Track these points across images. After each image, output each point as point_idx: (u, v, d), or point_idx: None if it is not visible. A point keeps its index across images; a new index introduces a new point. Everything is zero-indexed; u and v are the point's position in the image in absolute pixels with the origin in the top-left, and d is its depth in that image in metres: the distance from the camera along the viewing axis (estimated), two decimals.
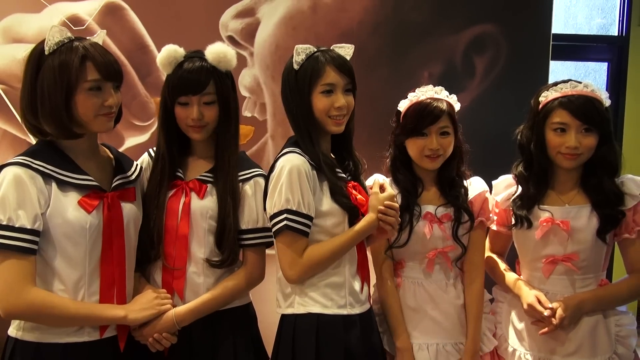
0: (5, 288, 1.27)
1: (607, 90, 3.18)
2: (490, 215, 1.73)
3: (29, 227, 1.28)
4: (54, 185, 1.33)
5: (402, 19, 2.35)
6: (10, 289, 1.27)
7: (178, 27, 2.31)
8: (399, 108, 1.69)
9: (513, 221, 1.65)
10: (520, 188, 1.67)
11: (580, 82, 1.58)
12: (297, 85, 1.49)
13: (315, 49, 1.50)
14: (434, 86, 1.69)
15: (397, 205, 1.51)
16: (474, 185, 1.71)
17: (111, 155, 1.50)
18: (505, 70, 2.40)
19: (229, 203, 1.49)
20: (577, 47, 3.27)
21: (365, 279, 1.56)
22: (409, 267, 1.69)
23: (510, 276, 1.71)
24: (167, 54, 1.47)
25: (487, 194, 1.72)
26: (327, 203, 1.47)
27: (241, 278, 1.53)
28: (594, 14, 3.56)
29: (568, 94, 1.56)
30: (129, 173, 1.49)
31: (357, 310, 1.51)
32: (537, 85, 2.46)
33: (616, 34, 3.39)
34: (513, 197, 1.67)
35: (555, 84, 1.61)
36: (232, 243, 1.49)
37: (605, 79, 3.39)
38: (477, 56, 2.38)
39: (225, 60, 1.50)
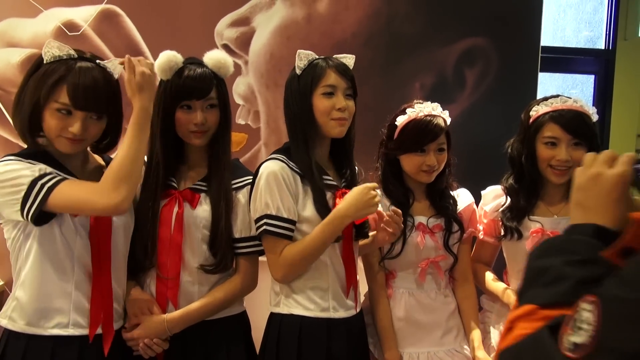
0: None
1: (593, 102, 3.26)
2: (477, 225, 1.77)
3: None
4: None
5: (395, 31, 2.40)
6: None
7: (174, 34, 2.33)
8: (396, 123, 1.69)
9: (502, 232, 1.69)
10: (509, 200, 1.71)
11: (570, 97, 1.63)
12: (299, 89, 1.52)
13: (317, 56, 1.54)
14: (425, 98, 1.74)
15: (400, 211, 1.54)
16: (462, 198, 1.76)
17: (102, 162, 1.51)
18: (495, 82, 2.45)
19: (222, 207, 1.50)
20: (565, 60, 3.34)
21: (352, 284, 1.58)
22: (401, 277, 1.71)
23: (498, 286, 1.75)
24: (167, 59, 1.47)
25: (474, 206, 1.77)
26: (309, 209, 1.50)
27: (234, 285, 1.54)
28: (581, 27, 3.62)
29: (558, 109, 1.60)
30: None
31: (341, 314, 1.54)
32: (526, 97, 2.52)
33: (603, 47, 3.47)
34: (502, 209, 1.71)
35: (546, 98, 1.65)
36: (225, 247, 1.51)
37: (592, 91, 3.46)
38: (468, 68, 2.43)
39: (225, 67, 1.53)
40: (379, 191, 1.60)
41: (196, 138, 1.51)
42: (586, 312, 0.58)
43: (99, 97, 1.35)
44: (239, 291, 1.56)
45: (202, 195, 1.53)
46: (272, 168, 1.47)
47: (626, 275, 0.60)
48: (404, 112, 1.69)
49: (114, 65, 1.40)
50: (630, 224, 0.69)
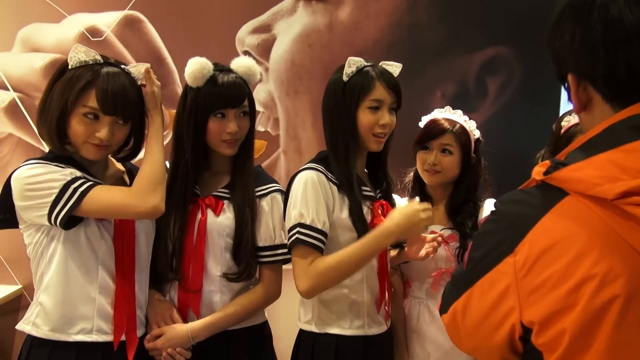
0: None
1: None
2: None
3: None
4: None
5: (417, 39, 2.38)
6: None
7: (195, 40, 2.33)
8: (420, 125, 1.75)
9: None
10: None
11: None
12: (343, 98, 1.47)
13: (366, 63, 1.49)
14: (447, 106, 1.74)
15: (442, 238, 1.54)
16: (487, 209, 1.72)
17: (122, 169, 1.51)
18: (518, 92, 2.42)
19: (247, 214, 1.48)
20: None
21: (385, 299, 1.54)
22: (415, 286, 1.70)
23: None
24: (200, 67, 1.43)
25: None
26: (344, 219, 1.46)
27: (257, 295, 1.51)
28: None
29: None
30: None
31: (375, 330, 1.51)
32: (550, 107, 2.49)
33: None
34: None
35: None
36: (249, 255, 1.48)
37: None
38: (490, 77, 2.40)
39: (254, 75, 1.51)
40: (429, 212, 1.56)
41: (228, 147, 1.48)
42: None
43: (127, 102, 1.35)
44: (262, 301, 1.53)
45: (226, 202, 1.50)
46: (310, 178, 1.44)
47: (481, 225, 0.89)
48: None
49: (138, 70, 1.39)
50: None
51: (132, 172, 1.50)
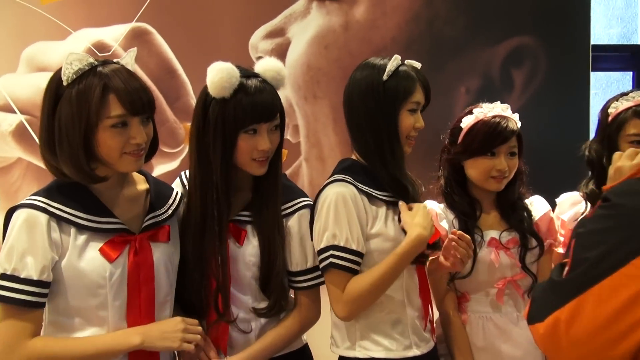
0: (1, 346, 1.14)
1: None
2: (557, 235, 1.63)
3: (35, 278, 1.13)
4: (72, 231, 1.18)
5: (436, 34, 2.30)
6: (6, 347, 1.13)
7: (206, 50, 2.24)
8: (461, 125, 1.57)
9: None
10: (589, 206, 1.57)
11: None
12: (386, 99, 1.35)
13: (401, 61, 1.39)
14: (472, 102, 1.63)
15: (468, 237, 1.39)
16: (537, 206, 1.61)
17: (146, 185, 1.32)
18: (545, 82, 2.33)
19: (276, 242, 1.32)
20: (600, 57, 3.23)
21: (428, 314, 1.44)
22: (475, 300, 1.55)
23: None
24: (228, 75, 1.24)
25: (551, 214, 1.63)
26: (380, 230, 1.35)
27: (295, 323, 1.37)
28: (612, 23, 3.52)
29: None
30: (165, 208, 1.30)
31: (422, 349, 1.40)
32: (578, 98, 2.40)
33: (639, 42, 3.35)
34: (582, 217, 1.57)
35: (625, 93, 1.53)
36: (280, 288, 1.34)
37: (632, 88, 3.34)
38: (515, 69, 2.32)
39: (282, 79, 1.34)
40: (437, 210, 1.53)
41: (259, 167, 1.31)
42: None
43: (147, 94, 1.19)
44: (300, 328, 1.38)
45: (249, 228, 1.34)
46: (340, 192, 1.32)
47: (586, 223, 0.81)
48: (469, 114, 1.57)
49: (126, 61, 1.22)
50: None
51: (157, 191, 1.32)
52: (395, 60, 1.37)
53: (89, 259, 1.18)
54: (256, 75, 1.31)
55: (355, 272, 1.32)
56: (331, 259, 1.30)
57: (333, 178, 1.37)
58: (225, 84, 1.24)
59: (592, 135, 2.46)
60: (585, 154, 1.61)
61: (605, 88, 3.31)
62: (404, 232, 1.35)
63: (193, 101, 2.23)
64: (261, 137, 1.28)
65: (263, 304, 1.34)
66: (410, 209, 1.37)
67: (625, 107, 1.50)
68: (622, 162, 1.03)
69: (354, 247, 1.31)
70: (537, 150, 2.12)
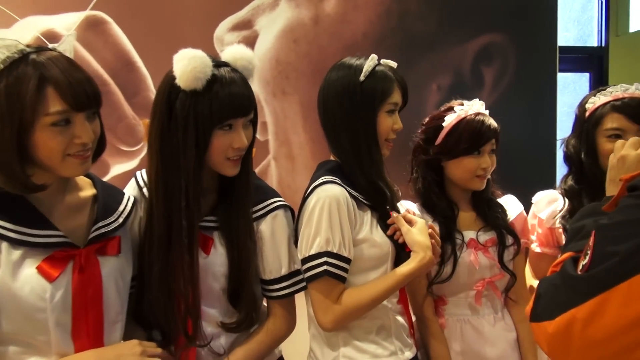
0: None
1: None
2: (530, 235, 1.60)
3: None
4: (4, 247, 1.00)
5: (408, 30, 2.25)
6: None
7: (168, 41, 2.11)
8: (442, 124, 1.50)
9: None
10: (567, 203, 1.55)
11: (631, 85, 1.49)
12: (362, 100, 1.29)
13: (377, 60, 1.32)
14: (443, 99, 1.59)
15: (437, 233, 1.35)
16: (510, 206, 1.58)
17: (93, 191, 1.14)
18: (514, 80, 2.33)
19: (248, 249, 1.19)
20: (561, 58, 3.29)
21: (410, 319, 1.39)
22: (453, 303, 1.50)
23: None
24: (202, 64, 1.09)
25: (525, 214, 1.60)
26: (366, 236, 1.28)
27: (267, 336, 1.26)
28: (569, 25, 3.60)
29: (620, 97, 1.46)
30: (114, 216, 1.13)
31: (407, 354, 1.34)
32: (546, 95, 2.41)
33: (595, 44, 3.44)
34: (561, 214, 1.54)
35: (602, 89, 1.52)
36: (252, 299, 1.22)
37: (588, 89, 3.42)
38: (485, 66, 2.31)
39: (253, 69, 1.20)
40: (414, 210, 1.50)
41: (234, 167, 1.18)
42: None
43: (91, 86, 1.01)
44: (272, 342, 1.27)
45: (216, 235, 1.20)
46: (333, 194, 1.24)
47: (610, 214, 0.78)
48: (448, 111, 1.51)
49: (64, 47, 1.06)
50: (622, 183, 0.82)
51: (105, 197, 1.14)
52: (372, 60, 1.31)
53: (24, 279, 1.00)
54: (226, 65, 1.17)
55: (344, 280, 1.25)
56: (326, 267, 1.22)
57: (322, 179, 1.27)
58: (200, 75, 1.10)
59: (559, 134, 2.48)
60: (564, 150, 1.58)
61: (562, 89, 3.38)
62: (390, 239, 1.31)
63: (152, 95, 2.08)
64: (237, 134, 1.15)
65: (233, 318, 1.21)
66: (409, 221, 1.32)
67: (602, 102, 1.48)
68: (626, 150, 1.00)
69: (345, 254, 1.24)
70: (509, 149, 2.11)
